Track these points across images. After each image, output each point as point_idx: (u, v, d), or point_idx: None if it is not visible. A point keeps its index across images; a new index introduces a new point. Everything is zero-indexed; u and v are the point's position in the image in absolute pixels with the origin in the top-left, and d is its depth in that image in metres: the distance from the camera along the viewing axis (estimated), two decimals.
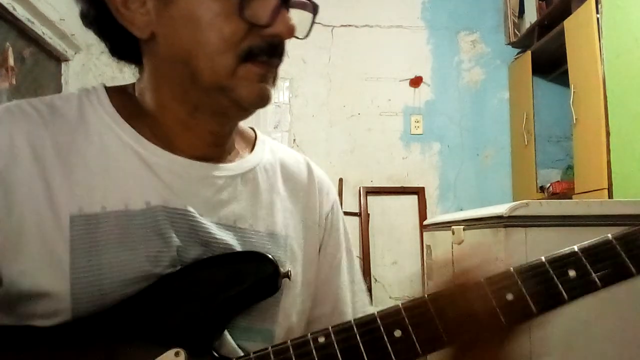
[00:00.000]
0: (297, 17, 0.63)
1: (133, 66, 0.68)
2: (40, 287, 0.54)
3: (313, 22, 0.66)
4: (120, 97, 0.66)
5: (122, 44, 0.64)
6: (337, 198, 0.80)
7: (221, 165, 0.66)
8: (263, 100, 0.62)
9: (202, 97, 0.61)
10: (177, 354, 0.53)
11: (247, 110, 0.64)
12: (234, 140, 0.71)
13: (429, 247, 2.34)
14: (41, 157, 0.57)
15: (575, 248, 0.54)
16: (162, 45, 0.61)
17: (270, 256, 0.60)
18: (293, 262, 0.68)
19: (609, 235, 0.54)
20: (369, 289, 3.21)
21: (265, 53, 0.60)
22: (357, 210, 3.34)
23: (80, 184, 0.57)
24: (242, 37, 0.58)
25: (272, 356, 0.52)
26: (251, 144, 0.74)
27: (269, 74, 0.62)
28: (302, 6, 0.65)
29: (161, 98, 0.63)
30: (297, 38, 0.63)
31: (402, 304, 0.53)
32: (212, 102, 0.61)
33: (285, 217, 0.70)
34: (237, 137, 0.72)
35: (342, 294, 0.74)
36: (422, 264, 3.05)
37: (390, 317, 0.53)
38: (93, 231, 0.56)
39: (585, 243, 0.55)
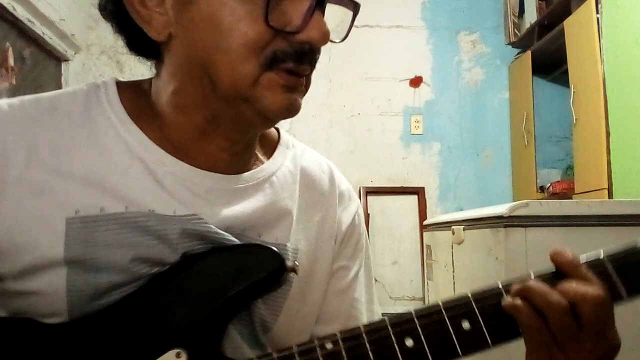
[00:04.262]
0: (334, 15, 0.57)
1: (149, 64, 0.63)
2: (37, 288, 0.53)
3: (353, 22, 0.59)
4: (132, 94, 0.62)
5: (140, 41, 0.59)
6: (361, 211, 0.75)
7: (233, 176, 0.61)
8: (290, 111, 0.57)
9: (223, 106, 0.57)
10: (178, 355, 0.51)
11: (272, 120, 0.59)
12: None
13: (429, 247, 2.33)
14: (36, 158, 0.55)
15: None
16: (181, 48, 0.56)
17: (275, 249, 0.57)
18: (300, 277, 0.63)
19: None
20: None
21: (292, 59, 0.55)
22: None
23: (78, 186, 0.55)
24: (266, 43, 0.54)
25: None
26: (272, 148, 0.69)
27: (297, 84, 0.57)
28: (340, 1, 0.58)
29: (179, 101, 0.59)
30: (333, 42, 0.56)
31: (414, 310, 0.51)
32: (234, 112, 0.57)
33: (299, 230, 0.65)
34: (258, 141, 0.68)
35: (357, 313, 0.69)
36: (422, 264, 3.05)
37: (402, 325, 0.50)
38: (90, 232, 0.54)
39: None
